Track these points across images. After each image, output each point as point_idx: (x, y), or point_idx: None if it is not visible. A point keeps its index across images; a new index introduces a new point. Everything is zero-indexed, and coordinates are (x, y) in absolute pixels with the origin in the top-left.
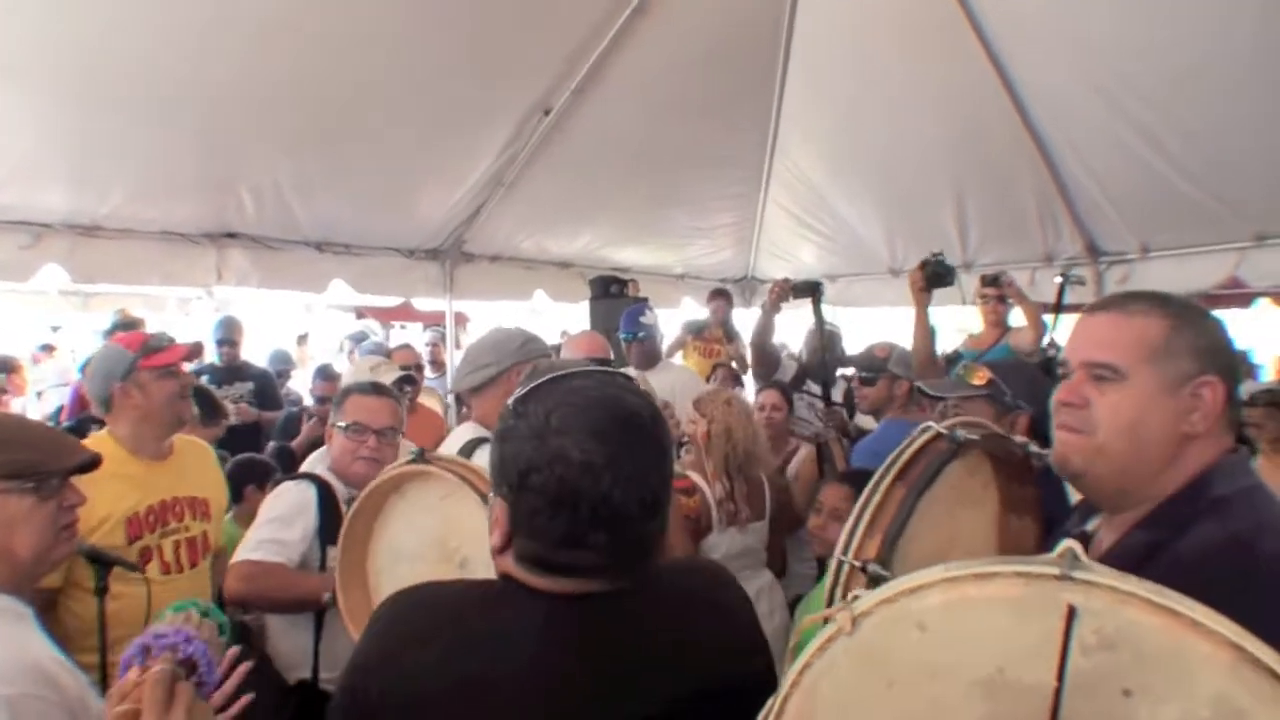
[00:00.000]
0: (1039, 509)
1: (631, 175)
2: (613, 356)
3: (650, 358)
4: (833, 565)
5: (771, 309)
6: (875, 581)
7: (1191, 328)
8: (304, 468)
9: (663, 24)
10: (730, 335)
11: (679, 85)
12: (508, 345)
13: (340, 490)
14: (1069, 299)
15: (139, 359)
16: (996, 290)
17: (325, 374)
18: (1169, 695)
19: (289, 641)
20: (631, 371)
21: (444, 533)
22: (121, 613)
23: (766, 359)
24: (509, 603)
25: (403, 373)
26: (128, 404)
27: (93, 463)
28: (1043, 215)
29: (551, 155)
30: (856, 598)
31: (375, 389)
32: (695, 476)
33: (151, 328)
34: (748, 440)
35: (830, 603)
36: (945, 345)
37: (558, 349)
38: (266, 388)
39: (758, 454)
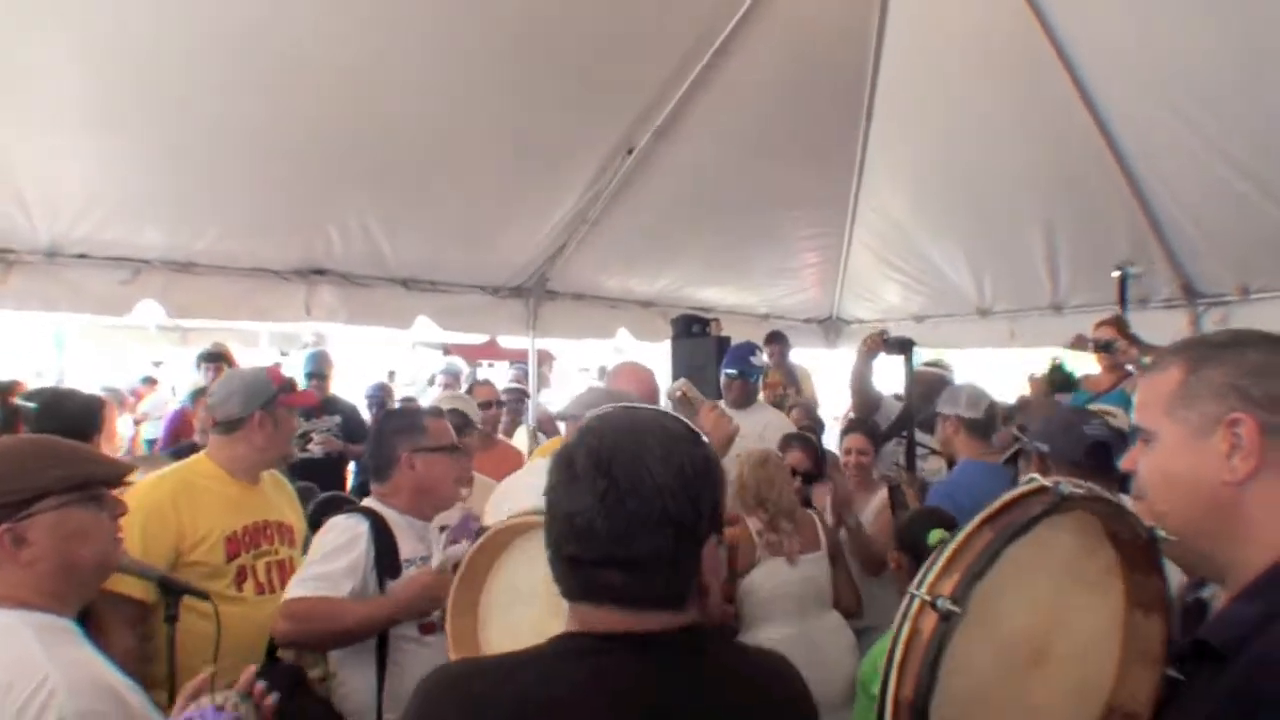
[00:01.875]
0: (1165, 604)
1: (714, 214)
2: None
3: (749, 398)
4: (905, 600)
5: (868, 356)
6: (946, 617)
7: (1211, 365)
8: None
9: (747, 62)
10: (791, 379)
11: (762, 124)
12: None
13: (397, 520)
14: (1132, 295)
15: (280, 394)
16: (1110, 354)
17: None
18: None
19: (353, 682)
20: (725, 407)
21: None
22: (194, 641)
23: (866, 401)
24: (549, 648)
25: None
26: (259, 431)
27: (129, 471)
28: (1136, 255)
29: (635, 194)
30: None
31: (438, 413)
32: (740, 512)
33: (244, 362)
34: (782, 484)
35: (897, 638)
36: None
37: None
38: (353, 421)
39: (789, 500)
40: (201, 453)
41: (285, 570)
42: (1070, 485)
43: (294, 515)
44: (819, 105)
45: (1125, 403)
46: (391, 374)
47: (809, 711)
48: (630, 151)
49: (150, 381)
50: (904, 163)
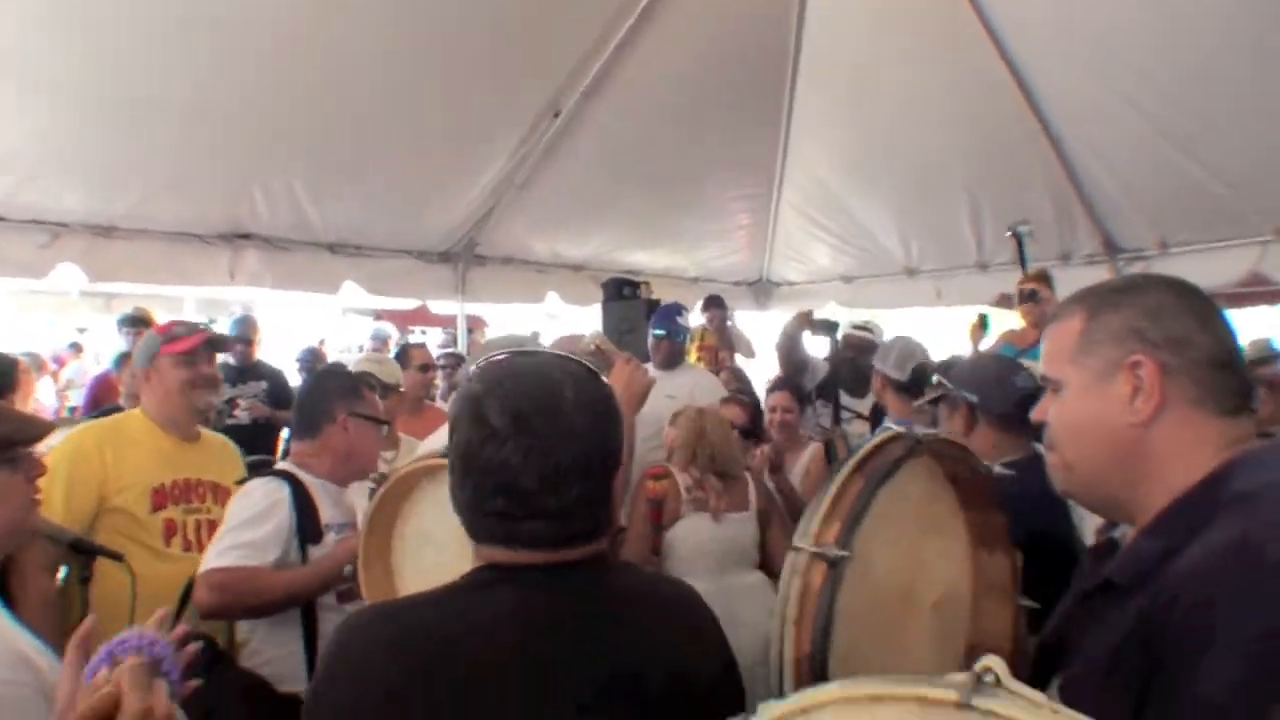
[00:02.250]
0: (1007, 539)
1: (643, 178)
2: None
3: (675, 358)
4: (789, 557)
5: (798, 327)
6: (834, 564)
7: (1110, 310)
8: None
9: (672, 26)
10: (726, 343)
11: (690, 87)
12: (510, 346)
13: (314, 484)
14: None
15: (160, 345)
16: (1035, 304)
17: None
18: None
19: (273, 650)
20: (651, 369)
21: None
22: (107, 597)
23: (793, 361)
24: (467, 582)
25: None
26: (150, 386)
27: (48, 430)
28: (1059, 213)
29: (563, 158)
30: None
31: (373, 385)
32: (671, 467)
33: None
34: (721, 442)
35: (787, 595)
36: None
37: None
38: (280, 387)
39: (731, 456)
40: (137, 408)
41: (215, 529)
42: (923, 431)
43: (234, 477)
44: (746, 67)
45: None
46: (322, 340)
47: (716, 634)
48: (556, 114)
49: (75, 348)
50: (831, 125)
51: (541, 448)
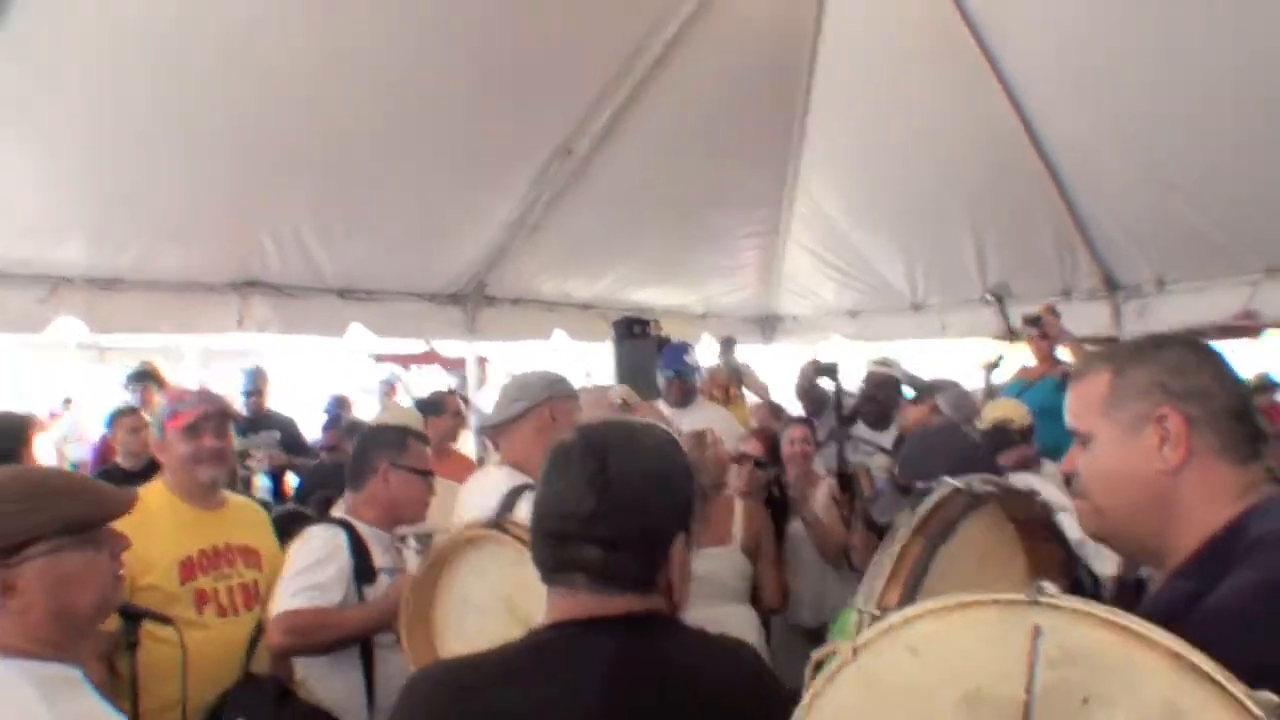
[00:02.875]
0: (1065, 568)
1: (652, 216)
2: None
3: (688, 396)
4: (854, 617)
5: (810, 374)
6: None
7: (1136, 367)
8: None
9: (685, 66)
10: (737, 379)
11: (700, 127)
12: (536, 384)
13: (365, 531)
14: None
15: (166, 419)
16: (1039, 330)
17: (335, 421)
18: (1121, 700)
19: (333, 684)
20: (664, 408)
21: (513, 593)
22: (157, 666)
23: (813, 400)
24: (528, 640)
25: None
26: (163, 459)
27: (132, 503)
28: (1060, 248)
29: (573, 198)
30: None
31: (423, 437)
32: None
33: (172, 379)
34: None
35: None
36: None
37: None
38: (292, 435)
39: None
40: (157, 479)
41: (250, 593)
42: (979, 484)
43: (262, 539)
44: (756, 108)
45: (1053, 391)
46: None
47: (769, 688)
48: (569, 153)
49: (67, 403)
50: (839, 163)
51: (605, 477)
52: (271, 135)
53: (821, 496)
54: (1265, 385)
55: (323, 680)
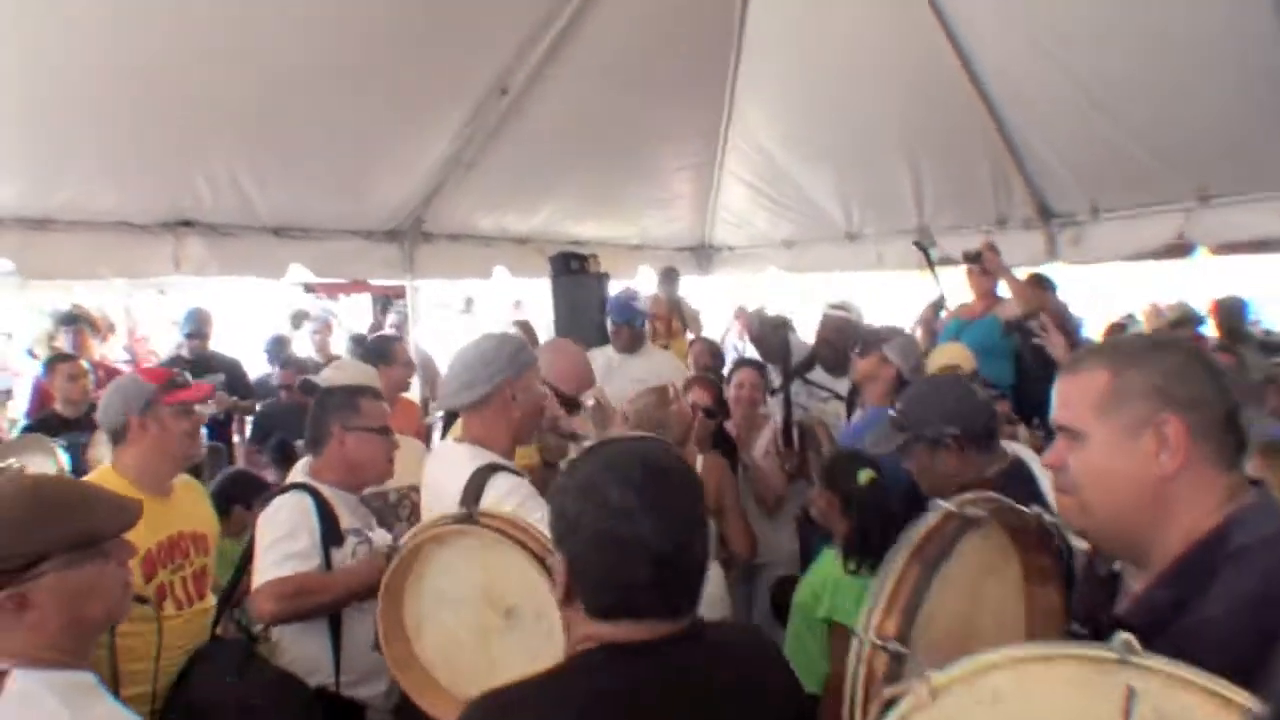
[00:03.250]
0: (1061, 577)
1: (588, 150)
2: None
3: (637, 343)
4: (854, 644)
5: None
6: (897, 659)
7: (1135, 370)
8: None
9: (618, 1)
10: (680, 314)
11: (634, 61)
12: (498, 358)
13: (330, 494)
14: (936, 257)
15: (160, 394)
16: (980, 265)
17: (285, 361)
18: None
19: (302, 648)
20: (613, 354)
21: (488, 581)
22: (134, 649)
23: (768, 346)
24: (580, 665)
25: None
26: (143, 437)
27: (139, 515)
28: (995, 178)
29: (509, 134)
30: (928, 675)
31: (376, 393)
32: None
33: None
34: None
35: (854, 680)
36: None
37: (521, 326)
38: (237, 377)
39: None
40: (107, 465)
41: (200, 580)
42: (973, 506)
43: (209, 522)
44: (689, 40)
45: (995, 328)
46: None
47: (790, 679)
48: (504, 92)
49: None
50: (773, 93)
51: (668, 518)
52: (203, 74)
53: (763, 442)
54: (1188, 319)
55: (294, 643)
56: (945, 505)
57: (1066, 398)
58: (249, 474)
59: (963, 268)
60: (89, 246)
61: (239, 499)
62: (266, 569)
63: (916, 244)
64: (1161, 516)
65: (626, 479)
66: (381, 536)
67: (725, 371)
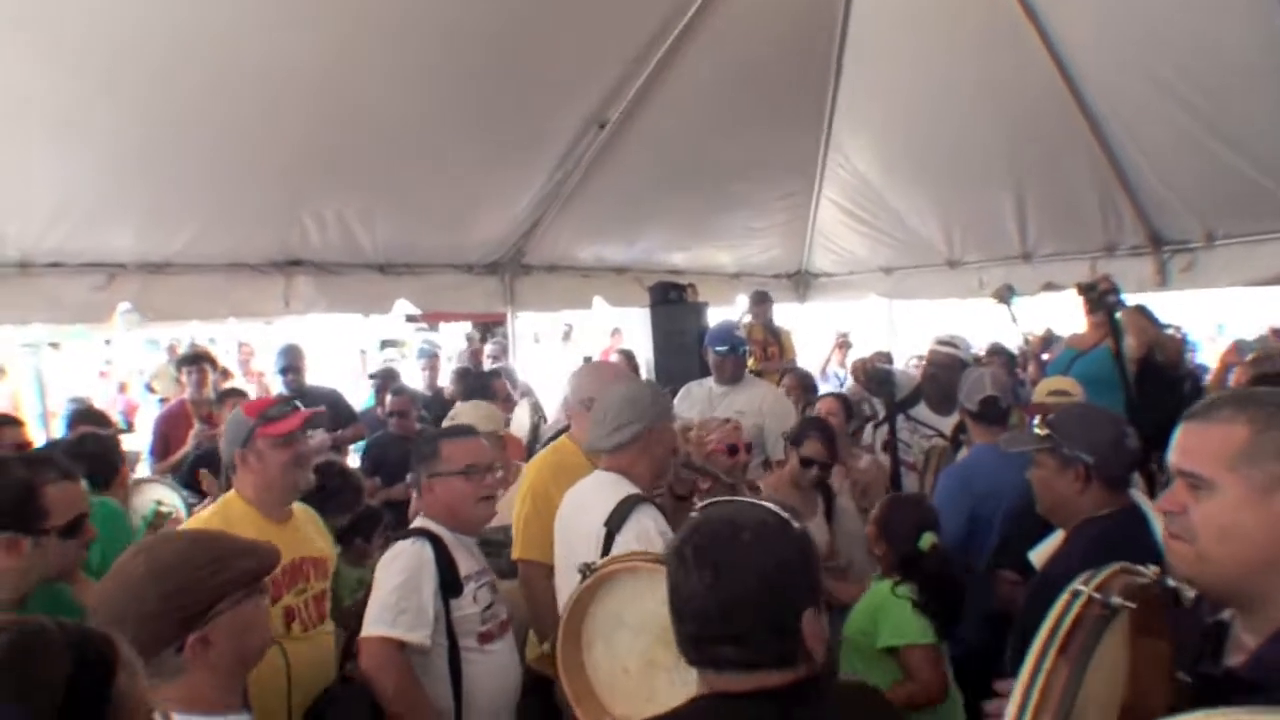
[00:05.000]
0: (1169, 629)
1: (686, 181)
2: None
3: (739, 372)
4: None
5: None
6: None
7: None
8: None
9: (716, 29)
10: (774, 337)
11: (731, 90)
12: (642, 408)
13: (448, 538)
14: (1015, 310)
15: (256, 427)
16: (1095, 295)
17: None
18: None
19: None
20: (713, 386)
21: (667, 621)
22: (264, 682)
23: (872, 378)
24: (686, 711)
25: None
26: (247, 470)
27: (279, 555)
28: (1103, 205)
29: (606, 166)
30: None
31: (466, 431)
32: None
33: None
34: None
35: None
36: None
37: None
38: (337, 406)
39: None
40: (233, 491)
41: (320, 603)
42: (1118, 597)
43: (325, 545)
44: (787, 69)
45: (1107, 360)
46: (363, 353)
47: None
48: (602, 125)
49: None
50: (872, 119)
51: (718, 581)
52: (308, 121)
53: (864, 462)
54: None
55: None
56: (1085, 590)
57: (1196, 445)
58: (375, 511)
59: (1067, 294)
60: (203, 288)
61: (359, 531)
62: (378, 619)
63: (996, 297)
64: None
65: (679, 554)
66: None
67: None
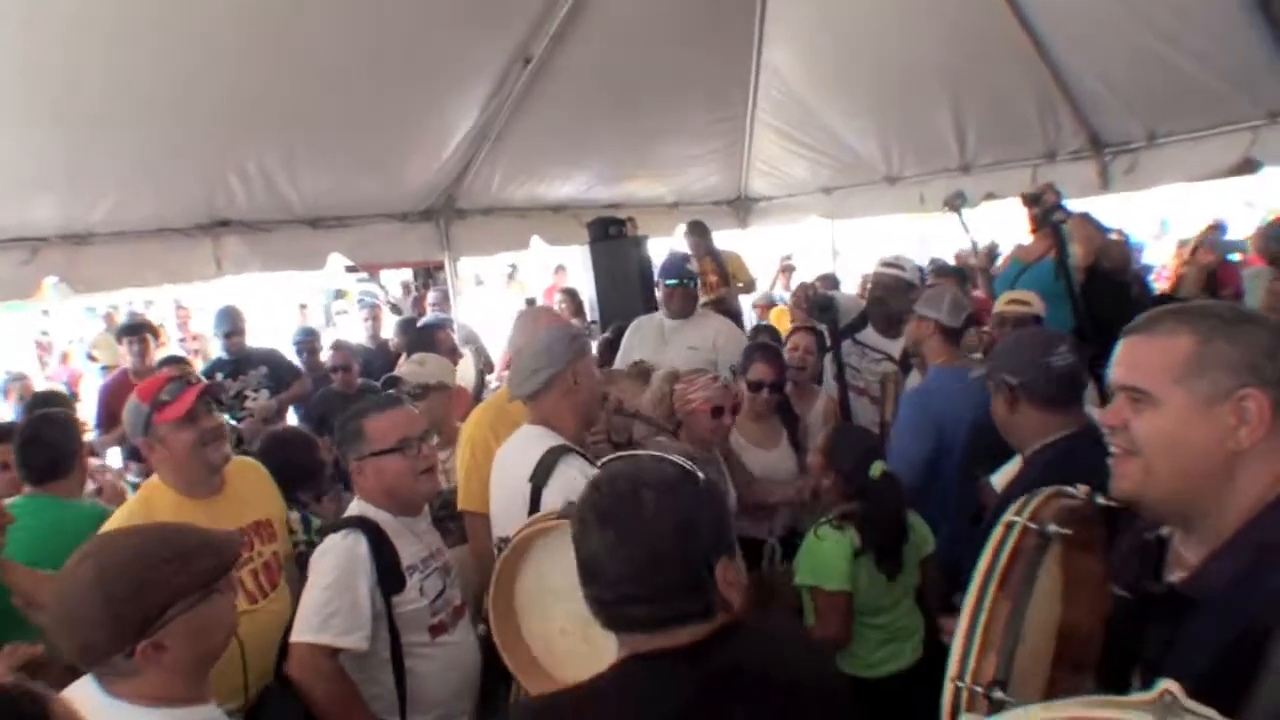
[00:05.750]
0: (1103, 546)
1: (617, 113)
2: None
3: (690, 305)
4: (949, 689)
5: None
6: (998, 706)
7: (1224, 340)
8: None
9: None
10: (720, 268)
11: (656, 14)
12: (557, 350)
13: (389, 522)
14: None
15: (151, 413)
16: (1040, 207)
17: (334, 345)
18: None
19: (365, 689)
20: (665, 320)
21: None
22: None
23: (814, 305)
24: (610, 675)
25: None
26: (156, 457)
27: (239, 552)
28: (1042, 110)
29: (535, 103)
30: None
31: (389, 402)
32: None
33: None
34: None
35: None
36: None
37: (567, 295)
38: (278, 365)
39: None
40: (154, 477)
41: (272, 569)
42: (1053, 525)
43: (272, 504)
44: None
45: (1052, 272)
46: (303, 306)
47: (833, 686)
48: (528, 61)
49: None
50: (801, 36)
51: (619, 543)
52: (226, 75)
53: (819, 411)
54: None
55: (360, 684)
56: (1020, 520)
57: (1138, 358)
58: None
59: (1010, 203)
60: (131, 256)
61: (300, 488)
62: (306, 625)
63: (948, 204)
64: (1225, 490)
65: (581, 519)
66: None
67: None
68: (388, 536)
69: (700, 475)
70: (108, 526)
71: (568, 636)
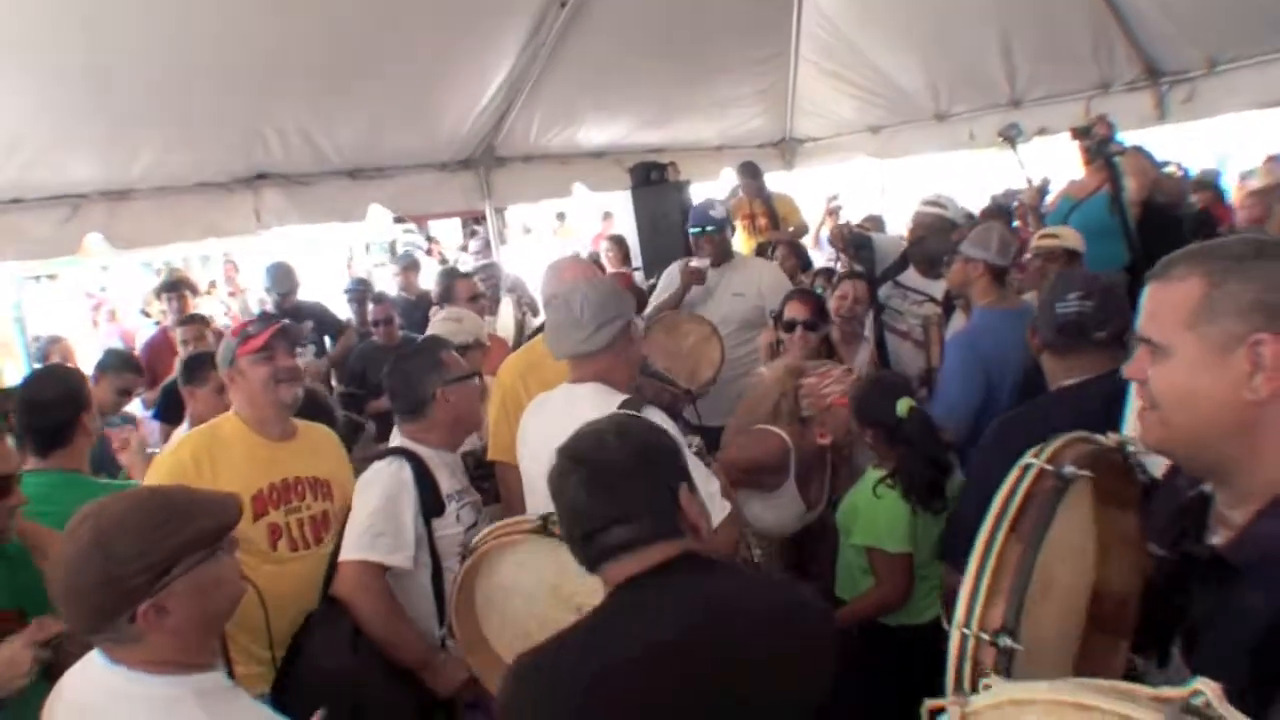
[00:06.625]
0: (1138, 503)
1: (657, 55)
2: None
3: (724, 251)
4: (955, 636)
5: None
6: (1007, 655)
7: (1236, 281)
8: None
9: None
10: (770, 209)
11: None
12: (612, 308)
13: (431, 457)
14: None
15: (236, 346)
16: (1092, 140)
17: (377, 297)
18: None
19: (407, 609)
20: (706, 265)
21: (559, 580)
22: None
23: (850, 244)
24: (592, 613)
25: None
26: (236, 389)
27: (241, 510)
28: (1095, 39)
29: (573, 46)
30: (974, 691)
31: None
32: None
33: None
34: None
35: (958, 678)
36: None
37: (614, 241)
38: (324, 320)
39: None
40: (230, 411)
41: (320, 525)
42: (1072, 467)
43: (333, 467)
44: None
45: (1105, 208)
46: (350, 258)
47: (806, 618)
48: (563, 4)
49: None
50: None
51: (589, 474)
52: (261, 29)
53: (860, 359)
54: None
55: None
56: (1037, 463)
57: (1154, 306)
58: (355, 421)
59: (1061, 138)
60: (172, 211)
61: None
62: (356, 544)
63: (1002, 135)
64: (1255, 442)
65: (555, 479)
66: None
67: (815, 269)
68: (428, 466)
69: (653, 421)
70: (169, 447)
71: (532, 639)
